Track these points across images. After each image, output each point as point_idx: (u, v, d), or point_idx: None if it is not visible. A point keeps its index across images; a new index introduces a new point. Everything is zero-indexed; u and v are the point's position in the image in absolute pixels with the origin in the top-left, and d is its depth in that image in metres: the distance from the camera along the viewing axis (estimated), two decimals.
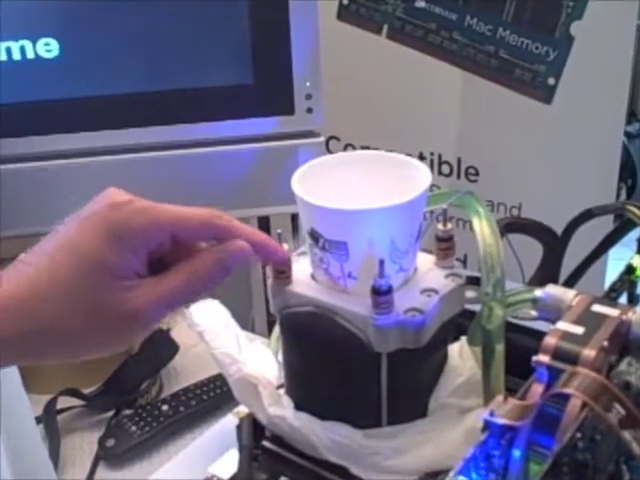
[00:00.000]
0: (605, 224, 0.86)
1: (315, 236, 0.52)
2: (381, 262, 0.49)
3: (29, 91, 0.96)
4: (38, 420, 0.95)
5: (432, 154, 1.43)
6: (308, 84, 0.97)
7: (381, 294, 0.50)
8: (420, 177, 0.53)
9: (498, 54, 1.34)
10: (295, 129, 1.00)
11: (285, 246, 0.55)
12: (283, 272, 0.55)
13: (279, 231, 0.54)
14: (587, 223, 0.68)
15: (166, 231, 0.50)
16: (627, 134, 2.56)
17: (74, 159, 0.98)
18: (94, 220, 0.48)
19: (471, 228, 0.58)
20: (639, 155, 2.78)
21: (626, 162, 2.54)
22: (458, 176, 1.45)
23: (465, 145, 1.44)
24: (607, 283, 0.63)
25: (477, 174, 1.44)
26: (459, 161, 1.45)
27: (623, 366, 0.50)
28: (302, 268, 0.56)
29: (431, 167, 1.45)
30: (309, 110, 0.99)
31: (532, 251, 0.76)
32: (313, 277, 0.56)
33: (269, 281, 0.56)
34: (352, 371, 0.54)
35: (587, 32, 1.29)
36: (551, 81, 1.32)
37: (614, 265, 1.39)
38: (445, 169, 1.45)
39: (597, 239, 0.73)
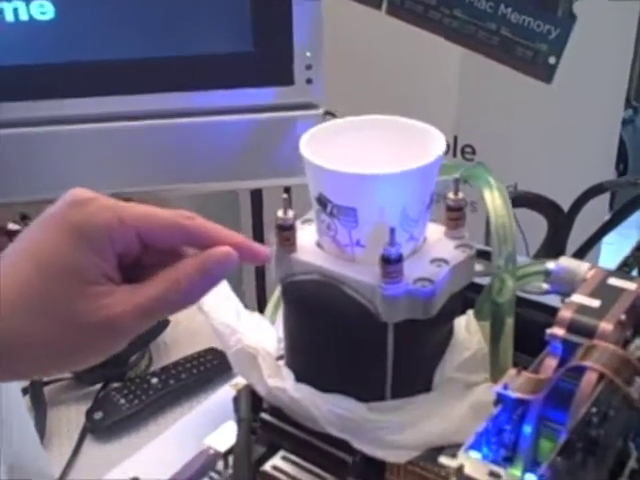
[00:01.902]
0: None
1: (323, 201, 0.51)
2: (392, 230, 0.48)
3: (22, 54, 0.93)
4: (24, 391, 0.94)
5: None
6: (309, 54, 0.95)
7: (391, 263, 0.48)
8: (434, 143, 0.52)
9: (499, 32, 1.32)
10: (294, 100, 0.98)
11: (290, 212, 0.53)
12: (288, 239, 0.53)
13: (285, 196, 0.52)
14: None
15: (131, 230, 0.46)
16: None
17: (67, 125, 0.95)
18: (55, 221, 0.45)
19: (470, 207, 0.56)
20: (631, 141, 2.77)
21: (618, 148, 2.53)
22: (454, 154, 1.43)
23: (462, 123, 1.42)
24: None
25: (474, 153, 1.43)
26: (455, 139, 1.44)
27: (637, 340, 0.49)
28: (307, 235, 0.54)
29: None
30: (309, 81, 0.97)
31: (535, 226, 0.74)
32: (319, 245, 0.54)
33: (272, 248, 0.54)
34: (357, 342, 0.52)
35: (589, 11, 1.27)
36: (552, 60, 1.30)
37: (605, 250, 1.40)
38: None
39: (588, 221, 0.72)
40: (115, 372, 1.02)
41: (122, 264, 0.46)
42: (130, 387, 0.99)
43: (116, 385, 1.01)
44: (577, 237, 0.76)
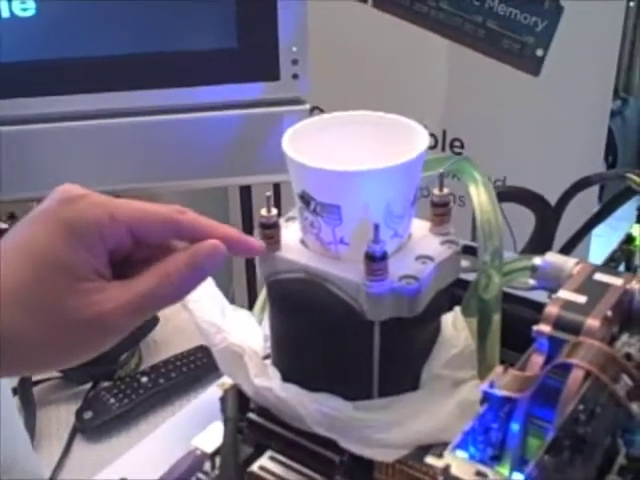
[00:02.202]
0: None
1: (306, 199, 0.50)
2: (376, 227, 0.47)
3: (4, 51, 0.92)
4: (14, 391, 0.93)
5: None
6: (294, 49, 0.95)
7: (375, 260, 0.47)
8: (418, 139, 0.51)
9: (486, 24, 1.32)
10: (280, 96, 0.97)
11: (274, 210, 0.52)
12: (272, 237, 0.52)
13: (268, 193, 0.52)
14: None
15: (123, 226, 0.45)
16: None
17: (53, 123, 0.95)
18: (46, 217, 0.44)
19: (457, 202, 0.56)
20: (620, 132, 2.77)
21: (607, 139, 2.53)
22: (443, 148, 1.43)
23: (451, 117, 1.42)
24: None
25: (462, 146, 1.43)
26: (444, 133, 1.43)
27: (624, 337, 0.49)
28: (291, 233, 0.54)
29: None
30: (295, 76, 0.96)
31: (523, 221, 0.74)
32: (303, 243, 0.53)
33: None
34: (343, 340, 0.52)
35: (576, 3, 1.27)
36: (539, 52, 1.30)
37: (594, 242, 1.40)
38: (430, 141, 1.42)
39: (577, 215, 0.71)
40: (105, 371, 1.02)
41: (113, 260, 0.46)
42: (120, 386, 0.98)
43: (106, 384, 1.00)
44: (566, 231, 0.76)
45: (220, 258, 0.47)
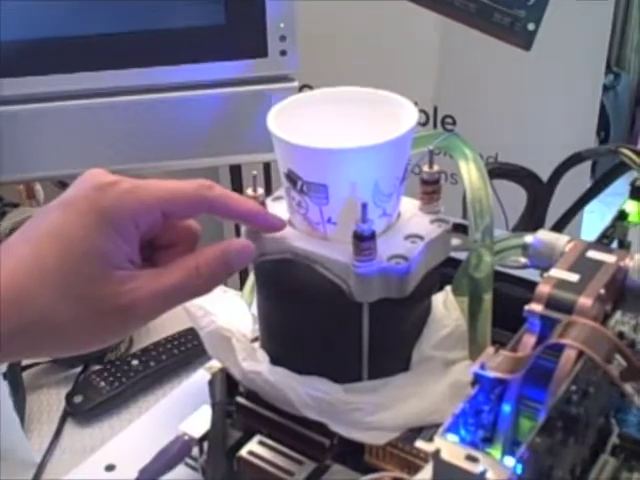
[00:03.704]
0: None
1: (293, 178, 0.49)
2: (364, 206, 0.46)
3: None
4: (3, 376, 0.92)
5: None
6: (282, 25, 0.93)
7: (363, 240, 0.47)
8: (406, 115, 0.50)
9: None
10: (268, 73, 0.96)
11: (260, 190, 0.51)
12: None
13: (254, 173, 0.51)
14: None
15: (156, 212, 0.46)
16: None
17: (37, 104, 0.93)
18: (80, 205, 0.45)
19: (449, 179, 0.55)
20: (613, 107, 2.76)
21: (600, 114, 2.52)
22: (435, 125, 1.42)
23: (442, 94, 1.41)
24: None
25: (454, 123, 1.41)
26: (435, 110, 1.42)
27: (617, 315, 0.48)
28: (278, 213, 0.53)
29: None
30: (283, 53, 0.95)
31: (515, 198, 0.73)
32: (290, 223, 0.52)
33: (242, 228, 0.52)
34: (332, 322, 0.51)
35: None
36: (531, 26, 1.28)
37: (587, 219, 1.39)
38: (421, 118, 1.41)
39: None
40: (94, 354, 1.01)
41: (142, 243, 0.47)
42: (110, 369, 0.97)
43: (96, 368, 0.99)
44: (559, 207, 0.75)
45: (249, 256, 0.49)
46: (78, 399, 0.93)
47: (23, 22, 0.91)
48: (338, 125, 0.52)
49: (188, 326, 1.01)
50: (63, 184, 1.16)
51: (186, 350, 1.00)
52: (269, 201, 0.54)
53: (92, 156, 0.98)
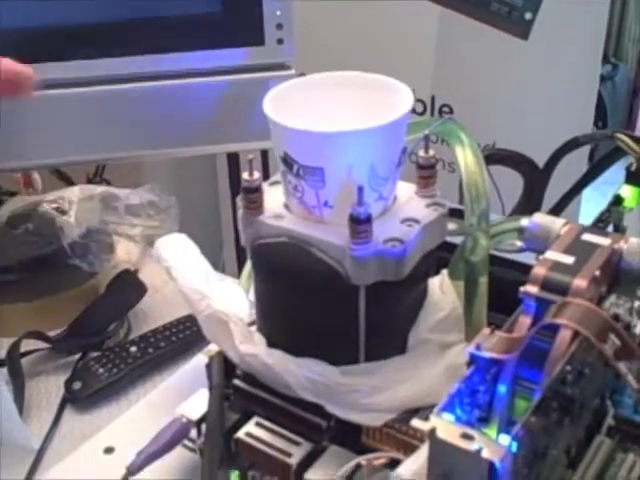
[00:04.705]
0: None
1: (289, 162, 0.49)
2: (360, 189, 0.46)
3: None
4: (1, 363, 0.93)
5: None
6: (279, 13, 0.93)
7: (360, 223, 0.47)
8: (402, 99, 0.50)
9: None
10: (265, 61, 0.96)
11: (256, 174, 0.51)
12: (255, 201, 0.51)
13: (251, 156, 0.51)
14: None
15: None
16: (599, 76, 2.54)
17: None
18: None
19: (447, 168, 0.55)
20: (610, 97, 2.77)
21: (597, 104, 2.53)
22: (432, 114, 1.42)
23: (439, 82, 1.41)
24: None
25: (451, 112, 1.41)
26: (433, 99, 1.42)
27: (612, 298, 0.48)
28: (274, 198, 0.53)
29: None
30: (280, 41, 0.95)
31: (512, 183, 0.73)
32: (286, 207, 0.53)
33: (239, 212, 0.53)
34: (328, 305, 0.51)
35: None
36: (528, 16, 1.28)
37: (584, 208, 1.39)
38: (419, 107, 1.41)
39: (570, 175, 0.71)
40: (93, 341, 1.01)
41: None
42: (109, 356, 0.97)
43: (94, 354, 0.99)
44: (557, 194, 0.75)
45: None
46: (77, 386, 0.94)
47: (24, 10, 0.91)
48: (335, 109, 0.52)
49: (186, 313, 1.02)
50: (60, 172, 1.17)
51: (184, 337, 1.00)
52: (266, 185, 0.54)
53: (90, 144, 0.98)
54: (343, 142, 0.47)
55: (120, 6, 0.94)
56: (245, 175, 0.51)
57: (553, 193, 0.75)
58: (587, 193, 0.82)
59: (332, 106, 0.52)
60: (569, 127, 1.33)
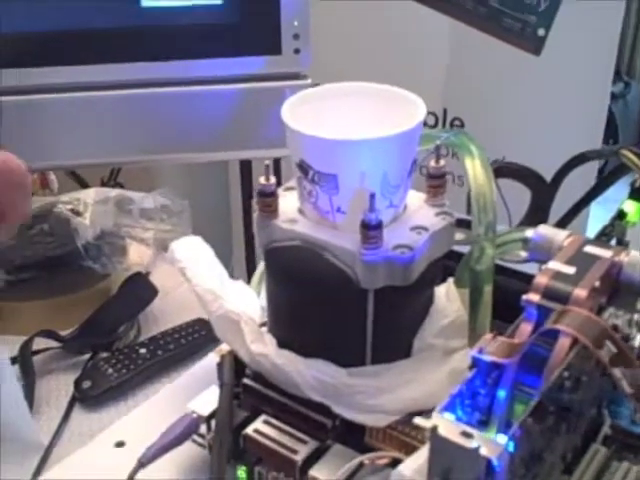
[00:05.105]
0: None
1: (304, 168, 0.51)
2: (372, 196, 0.48)
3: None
4: (13, 360, 0.94)
5: None
6: (296, 23, 0.95)
7: (371, 228, 0.48)
8: (415, 110, 0.52)
9: (487, 2, 1.32)
10: (282, 70, 0.97)
11: (272, 179, 0.53)
12: (270, 205, 0.53)
13: (267, 162, 0.53)
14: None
15: None
16: (611, 94, 2.55)
17: (49, 94, 0.95)
18: None
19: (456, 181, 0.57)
20: (622, 115, 2.77)
21: (608, 122, 2.53)
22: (444, 127, 1.43)
23: (451, 96, 1.42)
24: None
25: (462, 125, 1.43)
26: (445, 112, 1.44)
27: (611, 309, 0.50)
28: (289, 202, 0.55)
29: None
30: (296, 51, 0.97)
31: (520, 197, 0.75)
32: (301, 212, 0.54)
33: (255, 215, 0.54)
34: (338, 308, 0.53)
35: None
36: (541, 32, 1.30)
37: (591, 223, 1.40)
38: (430, 120, 1.43)
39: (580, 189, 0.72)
40: (104, 342, 1.03)
41: None
42: (118, 357, 0.99)
43: (104, 355, 1.01)
44: (565, 207, 0.76)
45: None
46: (86, 385, 0.95)
47: (36, 14, 0.93)
48: (350, 118, 0.54)
49: (196, 317, 1.03)
50: (75, 175, 1.18)
51: (193, 340, 1.01)
52: (281, 191, 0.56)
53: (106, 147, 0.99)
54: (356, 150, 0.49)
55: (141, 14, 0.96)
56: (261, 179, 0.53)
57: (562, 207, 0.76)
58: (595, 209, 0.83)
59: (347, 115, 0.54)
60: (578, 143, 1.33)
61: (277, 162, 1.17)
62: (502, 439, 0.39)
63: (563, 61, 1.32)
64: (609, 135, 2.65)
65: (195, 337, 1.02)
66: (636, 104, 2.92)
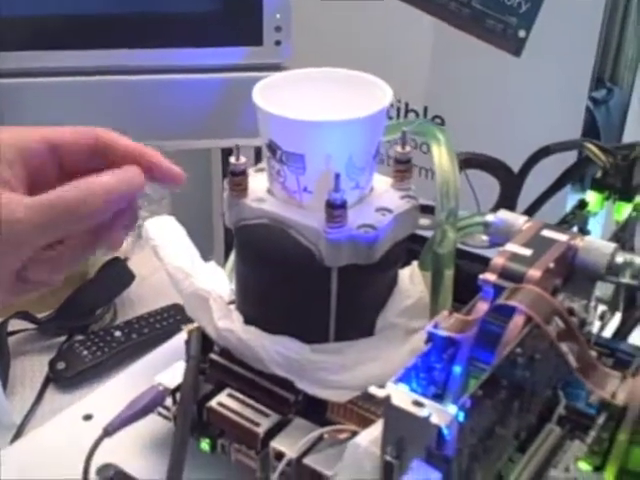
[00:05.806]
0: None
1: (273, 148, 0.52)
2: (337, 176, 0.50)
3: None
4: None
5: (399, 102, 1.43)
6: (278, 16, 0.96)
7: (335, 207, 0.50)
8: (382, 95, 0.53)
9: (470, 3, 1.33)
10: (262, 61, 0.99)
11: (243, 158, 0.54)
12: (240, 184, 0.55)
13: (237, 143, 0.54)
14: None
15: (41, 140, 0.47)
16: (593, 100, 2.57)
17: (29, 78, 0.95)
18: None
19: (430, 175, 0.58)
20: (604, 121, 2.79)
21: (591, 128, 2.55)
22: None
23: (432, 94, 1.44)
24: None
25: (443, 123, 1.44)
26: (425, 110, 1.45)
27: (567, 293, 0.51)
28: (259, 183, 0.56)
29: (397, 115, 1.45)
30: (278, 43, 0.98)
31: (489, 188, 0.76)
32: (269, 191, 0.56)
33: (225, 194, 0.56)
34: (302, 285, 0.54)
35: None
36: (521, 34, 1.32)
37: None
38: (411, 117, 1.45)
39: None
40: (79, 324, 1.04)
41: (33, 181, 0.47)
42: (93, 339, 1.00)
43: (80, 337, 1.02)
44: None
45: (139, 186, 0.49)
46: (61, 366, 0.96)
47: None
48: (319, 102, 0.55)
49: (171, 302, 1.05)
50: None
51: (167, 325, 1.03)
52: (252, 171, 0.57)
53: None
54: (323, 131, 0.51)
55: (123, 1, 0.97)
56: (232, 159, 0.54)
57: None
58: (572, 200, 0.85)
59: (316, 99, 0.55)
60: (558, 140, 1.36)
61: (258, 152, 1.18)
62: (452, 409, 0.40)
63: (543, 61, 1.34)
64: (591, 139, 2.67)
65: (170, 322, 1.03)
66: (618, 110, 2.94)
